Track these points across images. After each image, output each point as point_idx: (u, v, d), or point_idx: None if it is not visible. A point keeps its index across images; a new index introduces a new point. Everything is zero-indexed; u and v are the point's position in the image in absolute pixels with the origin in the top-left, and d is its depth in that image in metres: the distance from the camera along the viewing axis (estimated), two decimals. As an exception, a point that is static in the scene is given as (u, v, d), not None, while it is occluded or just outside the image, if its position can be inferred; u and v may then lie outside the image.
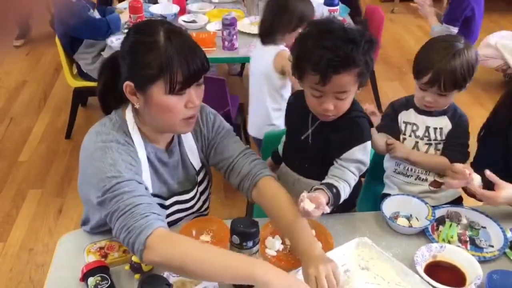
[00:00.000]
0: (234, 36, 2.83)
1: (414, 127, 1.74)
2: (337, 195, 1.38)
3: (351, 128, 1.46)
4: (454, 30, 2.99)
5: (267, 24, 2.33)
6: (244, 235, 1.21)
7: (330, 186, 1.38)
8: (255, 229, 1.23)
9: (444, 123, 1.71)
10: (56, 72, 4.15)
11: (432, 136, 1.72)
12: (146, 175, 1.37)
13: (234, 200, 2.77)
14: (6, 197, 2.84)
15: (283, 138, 1.71)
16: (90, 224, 1.45)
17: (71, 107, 3.28)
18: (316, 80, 1.33)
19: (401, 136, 1.76)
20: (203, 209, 1.57)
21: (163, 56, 1.21)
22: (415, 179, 1.77)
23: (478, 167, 1.59)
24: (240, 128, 2.87)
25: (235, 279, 1.18)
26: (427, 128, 1.72)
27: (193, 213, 1.54)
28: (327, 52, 1.29)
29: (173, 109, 1.26)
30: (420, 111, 1.73)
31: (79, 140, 1.40)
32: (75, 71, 3.22)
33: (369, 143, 1.48)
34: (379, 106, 3.76)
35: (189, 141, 1.48)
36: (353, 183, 1.45)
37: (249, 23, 3.17)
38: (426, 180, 1.75)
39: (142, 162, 1.36)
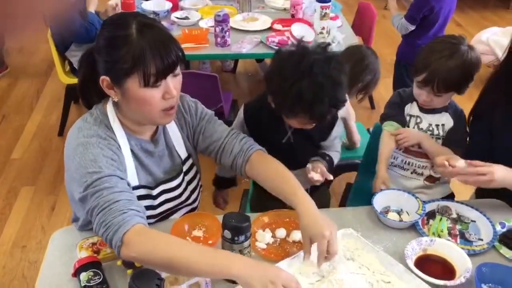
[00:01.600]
0: (227, 33, 2.83)
1: (418, 120, 1.76)
2: (330, 161, 1.67)
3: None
4: (411, 27, 3.03)
5: None
6: (235, 230, 1.22)
7: (323, 155, 1.67)
8: (247, 224, 1.24)
9: (446, 120, 1.73)
10: (48, 69, 4.13)
11: (435, 132, 1.74)
12: (131, 167, 1.38)
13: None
14: (-1, 194, 2.83)
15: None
16: (79, 222, 1.46)
17: (63, 104, 3.27)
18: (311, 122, 1.49)
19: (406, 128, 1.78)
20: (191, 199, 1.57)
21: (135, 49, 1.21)
22: (411, 173, 1.78)
23: (469, 152, 1.61)
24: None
25: (212, 275, 1.19)
26: (430, 124, 1.74)
27: (181, 203, 1.54)
28: (325, 107, 1.42)
29: (150, 101, 1.27)
30: (422, 109, 1.75)
31: (71, 137, 1.40)
32: (67, 68, 3.21)
33: (339, 120, 1.73)
34: (371, 102, 3.78)
35: (174, 130, 1.49)
36: (339, 148, 1.76)
37: (242, 20, 3.18)
38: (422, 174, 1.77)
39: (126, 155, 1.37)
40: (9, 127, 3.45)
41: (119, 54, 1.23)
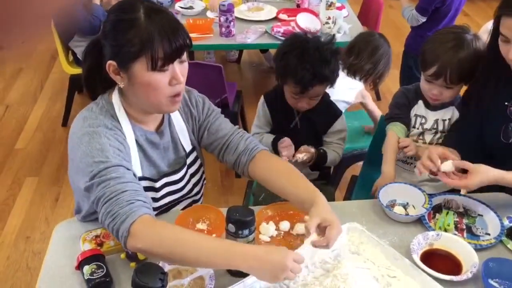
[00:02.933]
0: (231, 23, 2.81)
1: (423, 120, 1.75)
2: (322, 155, 1.83)
3: (329, 109, 1.89)
4: (422, 19, 2.99)
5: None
6: (239, 224, 1.21)
7: (318, 149, 1.83)
8: (251, 217, 1.22)
9: (452, 114, 1.71)
10: (52, 59, 4.12)
11: (440, 127, 1.73)
12: (135, 158, 1.37)
13: (231, 188, 2.77)
14: (3, 185, 2.83)
15: (262, 136, 1.91)
16: (82, 213, 1.45)
17: (67, 94, 3.26)
18: (297, 90, 1.74)
19: (410, 129, 1.77)
20: (193, 192, 1.56)
21: (143, 32, 1.20)
22: (415, 167, 1.76)
23: (460, 140, 1.60)
24: (238, 115, 2.85)
25: (218, 266, 1.20)
26: (436, 120, 1.73)
27: (184, 195, 1.53)
28: (306, 73, 1.68)
29: (157, 86, 1.26)
30: (429, 106, 1.73)
31: (75, 127, 1.38)
32: (71, 58, 3.19)
33: (343, 116, 1.89)
34: (377, 94, 3.74)
35: (179, 123, 1.48)
36: (340, 151, 1.89)
37: (247, 10, 3.15)
38: None
39: (131, 145, 1.36)
40: (12, 117, 3.45)
41: (126, 38, 1.22)
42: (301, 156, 1.76)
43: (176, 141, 1.49)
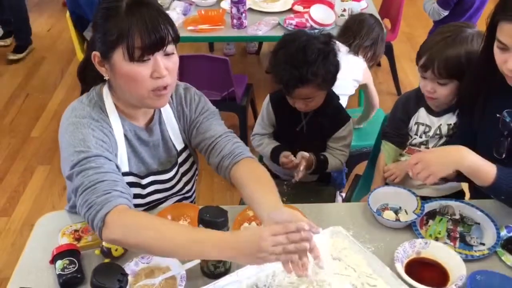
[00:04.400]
0: (243, 14, 2.75)
1: (427, 129, 1.68)
2: (323, 161, 1.77)
3: (336, 113, 1.80)
4: (444, 13, 2.85)
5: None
6: (210, 225, 1.17)
7: (318, 155, 1.77)
8: (222, 219, 1.18)
9: (455, 119, 1.63)
10: (74, 49, 4.16)
11: (444, 131, 1.65)
12: (123, 152, 1.36)
13: (226, 185, 2.72)
14: (16, 172, 2.89)
15: (263, 141, 1.86)
16: (70, 203, 1.45)
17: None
18: (285, 90, 1.69)
19: (412, 136, 1.71)
20: (184, 190, 1.54)
21: (123, 21, 1.19)
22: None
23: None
24: (246, 109, 2.80)
25: (194, 257, 1.18)
26: (439, 126, 1.65)
27: (173, 193, 1.51)
28: (287, 74, 1.62)
29: (136, 77, 1.23)
30: (432, 111, 1.66)
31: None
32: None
33: (350, 122, 1.81)
34: (397, 87, 3.62)
35: (171, 121, 1.45)
36: (342, 158, 1.82)
37: (262, 1, 3.08)
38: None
39: (119, 139, 1.35)
40: (31, 105, 3.52)
41: (106, 27, 1.22)
42: (300, 175, 1.70)
43: (167, 139, 1.46)
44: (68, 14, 3.07)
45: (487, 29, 1.31)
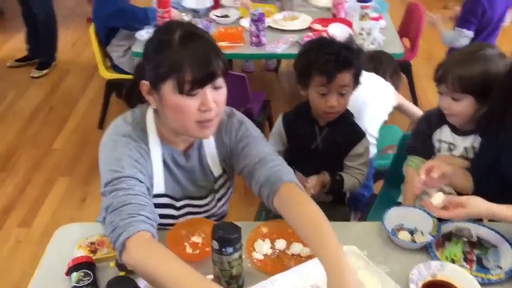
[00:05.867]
0: (262, 32, 2.78)
1: (452, 147, 1.66)
2: (338, 181, 1.76)
3: (351, 128, 1.81)
4: (468, 33, 2.82)
5: None
6: (223, 241, 1.18)
7: (334, 174, 1.77)
8: (236, 235, 1.19)
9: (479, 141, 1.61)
10: (97, 64, 4.25)
11: (470, 155, 1.64)
12: (159, 174, 1.37)
13: (255, 200, 2.73)
14: (37, 183, 2.94)
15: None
16: (101, 215, 1.47)
17: (103, 98, 3.35)
18: (323, 81, 1.66)
19: (436, 154, 1.69)
20: (218, 212, 1.54)
21: (175, 54, 1.20)
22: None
23: (473, 169, 1.51)
24: (263, 126, 2.81)
25: None
26: (465, 148, 1.64)
27: (208, 216, 1.51)
28: (331, 57, 1.63)
29: (184, 110, 1.23)
30: (457, 130, 1.65)
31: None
32: (109, 63, 3.29)
33: (366, 139, 1.81)
34: (416, 104, 3.59)
35: (210, 147, 1.44)
36: (360, 178, 1.79)
37: (282, 19, 3.11)
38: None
39: (156, 161, 1.36)
40: (55, 118, 3.59)
41: (158, 58, 1.23)
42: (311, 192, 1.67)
43: (205, 165, 1.45)
44: (92, 29, 3.15)
45: None
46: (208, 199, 1.48)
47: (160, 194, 1.39)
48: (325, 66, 1.63)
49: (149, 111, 1.36)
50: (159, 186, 1.38)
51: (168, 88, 1.22)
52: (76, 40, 4.74)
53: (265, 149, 1.39)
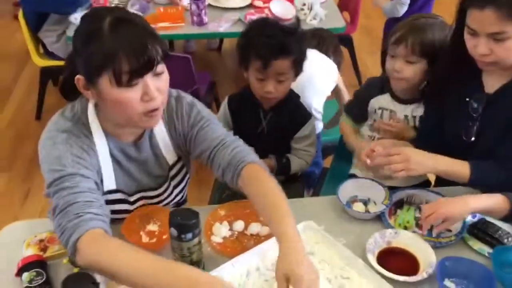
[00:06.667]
0: (203, 11, 2.73)
1: (392, 114, 1.69)
2: (285, 164, 1.75)
3: (296, 111, 1.76)
4: (406, 0, 2.92)
5: None
6: (182, 227, 1.15)
7: (281, 157, 1.75)
8: (195, 221, 1.17)
9: (422, 111, 1.65)
10: (28, 51, 4.02)
11: (411, 124, 1.68)
12: (108, 169, 1.31)
13: (209, 183, 2.70)
14: (-28, 181, 2.77)
15: None
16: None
17: (39, 87, 3.19)
18: (260, 65, 1.58)
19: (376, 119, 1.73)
20: (175, 200, 1.50)
21: (106, 43, 1.10)
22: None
23: (418, 138, 1.57)
24: (210, 107, 2.76)
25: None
26: (406, 116, 1.68)
27: (164, 204, 1.46)
28: (267, 40, 1.56)
29: (126, 103, 1.15)
30: (396, 98, 1.68)
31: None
32: (42, 50, 3.11)
33: (312, 120, 1.77)
34: (359, 79, 3.68)
35: (162, 135, 1.37)
36: (308, 158, 1.78)
37: (222, -4, 3.06)
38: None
39: (103, 156, 1.29)
40: (-14, 111, 3.38)
41: (89, 51, 1.12)
42: None
43: (158, 155, 1.39)
44: (20, 14, 2.96)
45: (456, 15, 1.37)
46: (163, 188, 1.43)
47: (112, 190, 1.33)
48: (261, 51, 1.55)
49: (90, 105, 1.27)
50: (110, 182, 1.32)
51: (104, 82, 1.13)
52: (2, 26, 4.45)
53: (221, 131, 1.37)
